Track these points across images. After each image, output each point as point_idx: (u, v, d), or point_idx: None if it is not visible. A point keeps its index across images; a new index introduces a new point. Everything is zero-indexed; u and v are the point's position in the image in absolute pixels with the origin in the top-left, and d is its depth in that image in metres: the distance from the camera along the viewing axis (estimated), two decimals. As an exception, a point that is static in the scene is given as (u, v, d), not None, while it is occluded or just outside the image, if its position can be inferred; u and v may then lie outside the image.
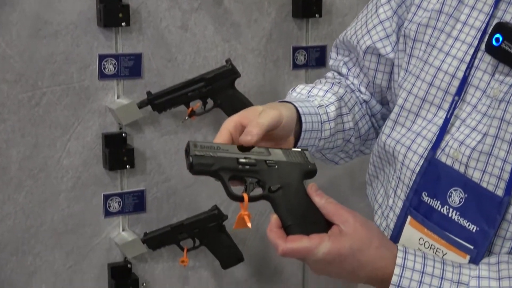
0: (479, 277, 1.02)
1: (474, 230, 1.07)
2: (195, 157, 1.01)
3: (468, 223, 1.08)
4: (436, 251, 1.09)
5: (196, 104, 1.97)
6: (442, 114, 1.14)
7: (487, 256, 1.06)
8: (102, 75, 1.93)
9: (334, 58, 1.38)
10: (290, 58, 2.16)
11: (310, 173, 1.08)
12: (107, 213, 2.02)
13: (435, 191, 1.11)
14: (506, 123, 1.06)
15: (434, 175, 1.11)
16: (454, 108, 1.12)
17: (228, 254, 2.07)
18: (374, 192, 1.31)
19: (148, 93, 1.94)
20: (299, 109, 1.18)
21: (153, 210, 2.07)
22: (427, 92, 1.16)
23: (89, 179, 1.98)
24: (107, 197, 2.01)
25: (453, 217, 1.09)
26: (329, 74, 1.38)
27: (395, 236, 1.15)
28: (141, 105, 1.93)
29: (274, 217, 1.02)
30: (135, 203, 2.04)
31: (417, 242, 1.11)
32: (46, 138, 1.92)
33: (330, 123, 1.22)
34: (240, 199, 1.02)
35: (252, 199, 1.03)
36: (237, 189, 1.02)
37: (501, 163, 1.06)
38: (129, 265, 2.05)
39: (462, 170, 1.09)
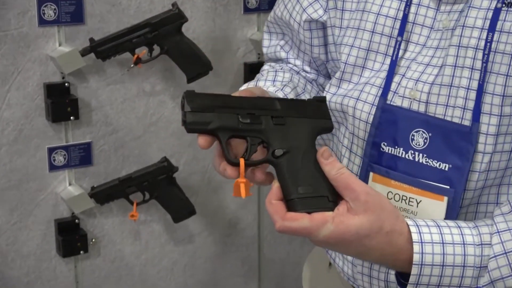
0: (498, 232, 0.95)
1: (447, 169, 1.00)
2: (189, 114, 0.91)
3: (438, 163, 1.01)
4: (409, 201, 1.02)
5: (142, 51, 1.89)
6: (389, 61, 1.08)
7: (464, 195, 1.00)
8: (42, 21, 1.82)
9: (267, 45, 1.30)
10: (241, 2, 2.07)
11: (325, 130, 0.99)
12: (52, 167, 1.93)
13: (395, 138, 1.04)
14: (464, 49, 1.00)
15: (391, 122, 1.04)
16: (399, 49, 1.06)
17: (179, 207, 2.01)
18: None
19: (91, 39, 1.84)
20: (264, 88, 1.12)
21: (100, 163, 1.99)
22: (370, 41, 1.09)
23: (31, 132, 1.89)
24: (51, 150, 1.92)
25: (420, 161, 1.02)
26: (266, 67, 1.30)
27: None
28: (83, 52, 1.84)
29: (276, 186, 0.92)
30: (81, 156, 1.95)
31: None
32: (-17, 89, 1.82)
33: None
34: (237, 164, 0.93)
35: (251, 164, 0.94)
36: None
37: (465, 92, 1.00)
38: (76, 220, 1.98)
39: (422, 109, 1.03)
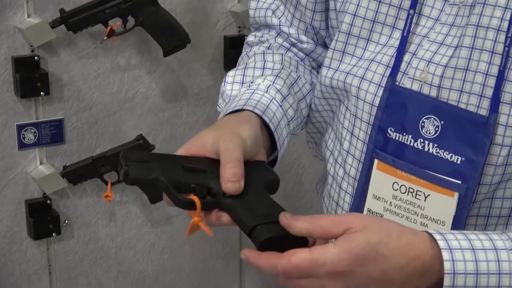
0: None
1: (459, 162, 0.91)
2: (131, 164, 0.84)
3: (450, 155, 0.91)
4: (416, 194, 0.93)
5: (116, 23, 1.79)
6: (398, 35, 0.98)
7: (478, 190, 0.90)
8: (9, -9, 1.73)
9: (255, 7, 1.17)
10: (221, -28, 1.97)
11: (271, 182, 0.89)
12: (22, 145, 1.84)
13: (404, 124, 0.94)
14: (484, 30, 0.89)
15: (399, 106, 0.95)
16: (411, 24, 0.96)
17: (155, 187, 1.92)
18: (322, 143, 1.13)
19: (61, 10, 1.74)
20: (256, 111, 0.99)
21: (73, 141, 1.90)
22: (376, 11, 0.99)
23: (-1, 108, 1.80)
24: (20, 128, 1.82)
25: (430, 151, 0.93)
26: (251, 38, 1.18)
27: (362, 186, 0.99)
28: (54, 24, 1.74)
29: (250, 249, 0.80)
30: (52, 133, 1.86)
31: (390, 188, 0.95)
32: None
33: (288, 99, 1.05)
34: (191, 205, 0.84)
35: (204, 206, 0.84)
36: None
37: (482, 78, 0.89)
38: (48, 201, 1.89)
39: (434, 93, 0.93)
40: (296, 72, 1.12)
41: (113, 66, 1.90)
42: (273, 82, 1.06)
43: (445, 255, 0.79)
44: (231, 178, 0.85)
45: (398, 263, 0.78)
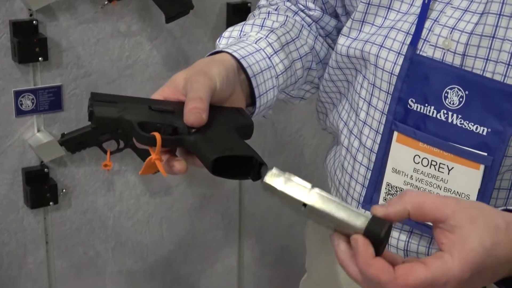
0: None
1: (485, 133, 0.87)
2: (97, 104, 0.84)
3: (475, 126, 0.88)
4: (439, 167, 0.90)
5: (117, -14, 1.74)
6: (419, 3, 0.93)
7: (503, 162, 0.87)
8: (7, -48, 1.67)
9: None
10: None
11: (244, 126, 0.88)
12: (19, 112, 1.79)
13: (425, 95, 0.91)
14: None
15: (421, 76, 0.91)
16: None
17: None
18: (334, 114, 1.09)
19: (61, -27, 1.70)
20: (235, 54, 0.96)
21: (71, 109, 1.85)
22: None
23: (-4, 74, 1.75)
24: (18, 94, 1.77)
25: (454, 122, 0.89)
26: (262, 2, 1.15)
27: (381, 159, 0.95)
28: (53, -13, 1.69)
29: (359, 243, 0.72)
30: (50, 100, 1.81)
31: (411, 161, 0.92)
32: None
33: (279, 54, 1.01)
34: (152, 140, 0.82)
35: (166, 142, 0.82)
36: None
37: (510, 46, 0.86)
38: (46, 169, 1.85)
39: (457, 62, 0.89)
40: (298, 35, 1.08)
41: (114, 32, 1.85)
42: (266, 36, 1.03)
43: None
44: (192, 110, 0.83)
45: (506, 259, 0.74)
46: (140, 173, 0.87)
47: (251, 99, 0.99)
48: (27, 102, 1.79)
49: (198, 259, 2.20)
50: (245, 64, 0.97)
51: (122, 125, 0.84)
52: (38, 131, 1.83)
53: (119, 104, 0.85)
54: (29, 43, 1.72)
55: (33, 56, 1.73)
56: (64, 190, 1.90)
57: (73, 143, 1.81)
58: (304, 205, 0.74)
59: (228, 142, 0.83)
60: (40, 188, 1.84)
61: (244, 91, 0.97)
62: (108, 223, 2.01)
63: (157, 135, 0.82)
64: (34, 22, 1.73)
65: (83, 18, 1.80)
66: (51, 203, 1.86)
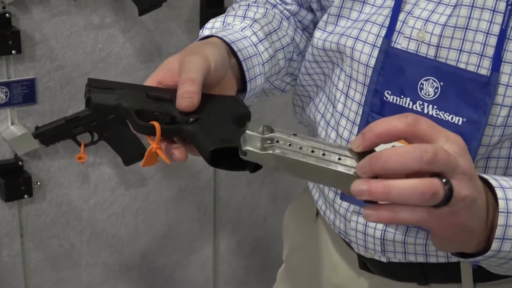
0: None
1: (460, 123, 0.89)
2: (94, 90, 0.82)
3: (450, 116, 0.89)
4: None
5: (90, -20, 1.75)
6: None
7: (477, 151, 0.89)
8: None
9: None
10: None
11: (242, 116, 0.87)
12: (-7, 105, 1.79)
13: (401, 87, 0.92)
14: None
15: (396, 68, 0.92)
16: None
17: (130, 149, 1.89)
18: (310, 106, 1.10)
19: (33, -34, 1.69)
20: (225, 38, 0.96)
21: (45, 101, 1.85)
22: None
23: (-31, 67, 1.74)
24: (-9, 87, 1.78)
25: (430, 113, 0.91)
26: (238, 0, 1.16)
27: None
28: (25, -20, 1.69)
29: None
30: (24, 93, 1.81)
31: None
32: None
33: (263, 42, 1.02)
34: (151, 130, 0.81)
35: (165, 132, 0.82)
36: None
37: (483, 37, 0.88)
38: (20, 162, 1.85)
39: (431, 54, 0.91)
40: (280, 26, 1.09)
41: (87, 25, 1.85)
42: (250, 26, 1.04)
43: (499, 193, 0.78)
44: (183, 95, 0.83)
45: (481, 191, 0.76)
46: (141, 165, 0.86)
47: (242, 85, 0.99)
48: (0, 95, 1.79)
49: (174, 250, 2.21)
50: (235, 48, 0.97)
51: (120, 113, 0.83)
52: (12, 124, 1.83)
53: (116, 91, 0.84)
54: (2, 36, 1.72)
55: (6, 49, 1.73)
56: (38, 183, 1.90)
57: (47, 136, 1.81)
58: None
59: (226, 133, 0.82)
60: (14, 181, 1.84)
61: (234, 75, 0.97)
62: (83, 216, 2.02)
63: (157, 125, 0.81)
64: (7, 15, 1.73)
65: (56, 11, 1.79)
66: (25, 196, 1.86)
